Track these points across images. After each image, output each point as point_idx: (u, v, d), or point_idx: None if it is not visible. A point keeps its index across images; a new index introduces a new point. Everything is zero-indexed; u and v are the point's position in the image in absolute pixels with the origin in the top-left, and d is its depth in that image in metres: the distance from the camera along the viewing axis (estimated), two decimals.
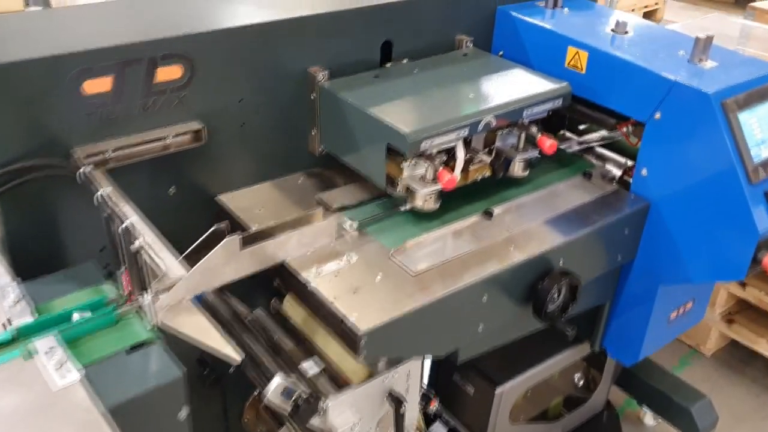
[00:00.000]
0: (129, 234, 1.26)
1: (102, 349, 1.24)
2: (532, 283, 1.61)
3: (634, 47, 1.83)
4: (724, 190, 1.63)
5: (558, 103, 1.75)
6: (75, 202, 1.48)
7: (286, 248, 1.49)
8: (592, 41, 1.84)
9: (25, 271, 1.37)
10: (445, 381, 2.15)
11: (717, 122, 1.60)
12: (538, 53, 1.96)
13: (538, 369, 2.07)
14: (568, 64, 1.88)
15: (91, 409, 1.09)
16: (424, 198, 1.64)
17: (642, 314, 1.92)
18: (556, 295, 1.64)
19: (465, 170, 1.70)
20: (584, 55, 1.84)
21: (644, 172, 1.79)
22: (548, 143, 1.70)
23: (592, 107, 1.90)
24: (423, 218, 1.68)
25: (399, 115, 1.57)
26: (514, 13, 2.00)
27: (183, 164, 1.63)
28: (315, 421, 1.44)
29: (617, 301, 1.98)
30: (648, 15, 7.45)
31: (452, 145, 1.60)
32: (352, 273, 1.48)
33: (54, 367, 1.16)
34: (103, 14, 1.65)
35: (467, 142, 1.68)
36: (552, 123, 2.01)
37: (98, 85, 1.44)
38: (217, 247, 1.37)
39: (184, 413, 1.24)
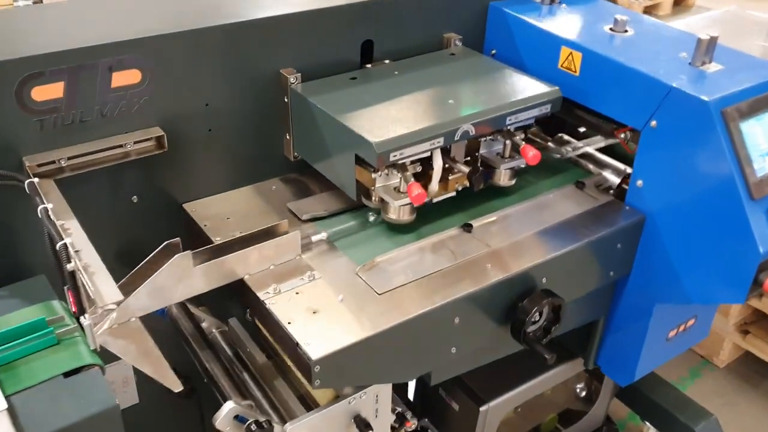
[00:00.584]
0: (65, 254, 1.19)
1: (39, 373, 1.17)
2: (510, 304, 1.50)
3: (632, 48, 1.70)
4: (723, 205, 1.50)
5: (546, 109, 1.64)
6: (30, 213, 1.42)
7: (245, 263, 1.41)
8: (586, 41, 1.72)
9: None
10: (430, 396, 2.06)
11: (716, 132, 1.47)
12: (531, 53, 1.84)
13: (527, 386, 1.97)
14: (562, 65, 1.76)
15: None
16: (398, 210, 1.55)
17: (637, 332, 1.81)
18: (537, 317, 1.53)
19: (444, 180, 1.60)
20: (578, 56, 1.72)
21: (639, 183, 1.67)
22: (531, 153, 1.58)
23: (589, 111, 1.78)
24: (398, 231, 1.58)
25: (369, 122, 1.47)
26: (506, 10, 1.88)
27: (145, 172, 1.56)
28: None
29: (612, 317, 1.86)
30: (679, 1, 7.20)
31: (426, 154, 1.50)
32: (313, 291, 1.40)
33: None
34: (62, 14, 1.58)
35: (446, 151, 1.58)
36: (550, 126, 1.90)
37: (49, 92, 1.37)
38: (164, 266, 1.29)
39: None
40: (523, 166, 1.69)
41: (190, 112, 1.56)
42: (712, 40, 1.61)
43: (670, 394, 2.33)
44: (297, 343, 1.27)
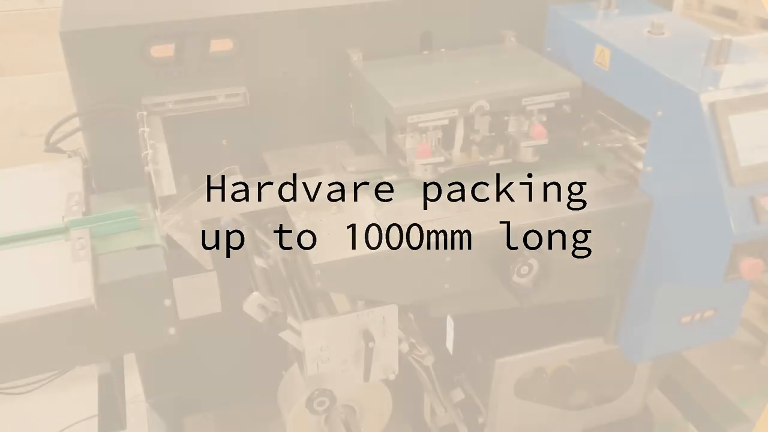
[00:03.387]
0: (146, 161, 1.64)
1: (122, 244, 1.65)
2: (500, 255, 1.75)
3: (657, 48, 1.87)
4: (705, 189, 1.64)
5: (565, 95, 1.86)
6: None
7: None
8: (616, 40, 1.91)
9: (103, 185, 1.83)
10: (464, 350, 2.32)
11: (704, 121, 1.62)
12: (575, 51, 2.06)
13: (546, 351, 2.16)
14: (596, 61, 1.97)
15: (86, 279, 1.49)
16: (422, 169, 1.86)
17: (645, 311, 1.95)
18: (525, 269, 1.76)
19: (467, 150, 1.88)
20: (608, 52, 1.92)
21: (649, 169, 1.83)
22: (536, 130, 1.82)
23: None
24: (423, 189, 1.89)
25: (398, 92, 1.80)
26: (561, 12, 2.11)
27: (233, 121, 2.00)
28: (288, 337, 1.73)
29: (627, 296, 2.01)
30: None
31: (444, 122, 1.79)
32: (333, 220, 1.75)
33: (76, 248, 1.58)
34: None
35: (471, 125, 1.86)
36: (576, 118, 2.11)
37: (163, 51, 1.85)
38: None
39: (168, 302, 1.60)
40: (543, 143, 1.92)
41: (271, 77, 1.98)
42: (725, 42, 1.74)
43: (709, 392, 2.38)
44: (306, 249, 1.63)
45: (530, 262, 1.75)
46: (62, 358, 1.51)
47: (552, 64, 1.97)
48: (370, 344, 1.78)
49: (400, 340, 1.91)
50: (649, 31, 1.96)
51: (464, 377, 2.37)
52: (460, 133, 1.84)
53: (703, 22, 3.14)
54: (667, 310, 1.94)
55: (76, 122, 1.89)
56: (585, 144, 2.08)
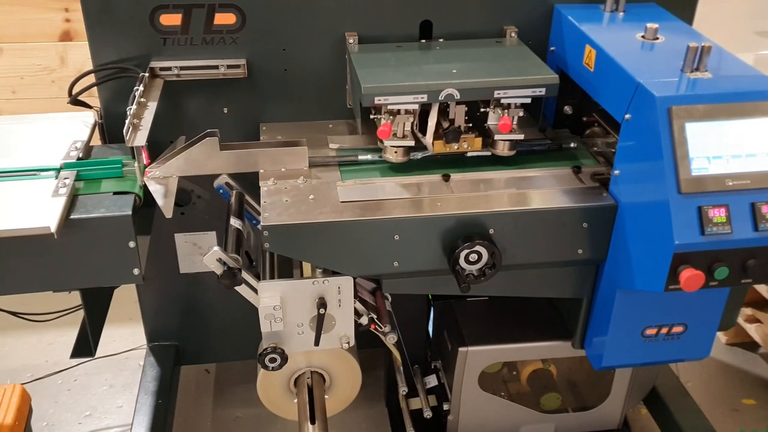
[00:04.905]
0: (130, 115, 1.81)
1: (102, 188, 1.83)
2: (452, 239, 1.79)
3: (642, 53, 1.85)
4: (656, 195, 1.62)
5: (540, 91, 1.87)
6: None
7: (261, 160, 1.92)
8: (603, 41, 1.90)
9: (114, 138, 2.04)
10: (439, 336, 2.37)
11: (657, 126, 1.60)
12: (571, 50, 2.06)
13: (512, 347, 2.18)
14: (584, 61, 1.96)
15: (56, 212, 1.67)
16: (391, 151, 1.93)
17: (605, 318, 1.93)
18: (474, 257, 1.80)
19: (440, 137, 1.93)
20: (593, 53, 1.91)
21: (617, 172, 1.82)
22: (502, 122, 1.85)
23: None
24: (393, 170, 1.95)
25: (373, 74, 1.88)
26: (564, 12, 2.12)
27: (234, 91, 2.14)
28: (243, 291, 1.86)
29: (592, 301, 2.00)
30: None
31: (412, 106, 1.86)
32: (298, 190, 1.86)
33: (59, 186, 1.77)
34: None
35: (445, 113, 1.92)
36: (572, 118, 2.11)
37: (171, 19, 2.02)
38: (198, 143, 1.86)
39: (132, 244, 1.76)
40: (520, 138, 1.94)
41: (271, 52, 2.11)
42: (705, 49, 1.70)
43: (691, 412, 2.30)
44: (259, 212, 1.75)
45: (478, 250, 1.79)
46: (25, 281, 1.71)
47: (539, 61, 1.98)
48: (321, 311, 1.88)
49: (360, 314, 1.99)
50: (642, 36, 1.94)
51: (440, 364, 2.41)
52: (432, 120, 1.89)
53: None
54: (627, 318, 1.91)
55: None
56: (572, 145, 2.08)
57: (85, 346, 1.90)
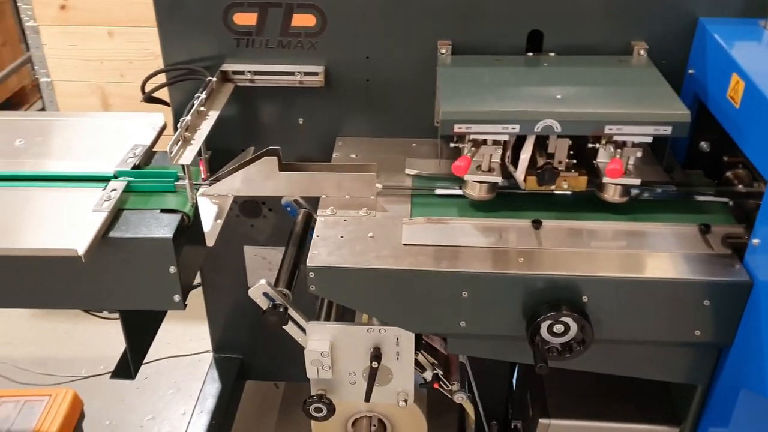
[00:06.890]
0: (183, 127, 1.63)
1: (150, 203, 1.67)
2: (533, 304, 1.48)
3: None
4: None
5: (665, 130, 1.50)
6: None
7: (323, 184, 1.69)
8: (756, 72, 1.49)
9: None
10: (521, 399, 2.06)
11: None
12: (713, 77, 1.66)
13: (604, 426, 1.82)
14: (729, 94, 1.56)
15: (91, 231, 1.52)
16: (474, 186, 1.63)
17: (724, 414, 1.54)
18: (561, 329, 1.47)
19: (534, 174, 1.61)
20: (741, 85, 1.51)
21: (756, 241, 1.42)
22: (611, 166, 1.49)
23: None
24: (474, 207, 1.66)
25: (459, 95, 1.58)
26: (708, 27, 1.71)
27: (310, 100, 1.92)
28: (291, 330, 1.64)
29: (711, 390, 1.61)
30: None
31: (502, 137, 1.54)
32: (357, 224, 1.61)
33: (104, 198, 1.62)
34: None
35: (542, 143, 1.59)
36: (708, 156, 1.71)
37: (246, 19, 1.83)
38: (256, 162, 1.66)
39: (173, 269, 1.59)
40: (636, 184, 1.58)
41: (352, 60, 1.86)
42: None
43: None
44: (310, 251, 1.52)
45: (565, 321, 1.46)
46: (57, 296, 1.59)
47: (668, 89, 1.60)
48: (374, 364, 1.63)
49: (423, 368, 1.73)
50: None
51: (521, 426, 2.10)
52: (526, 154, 1.57)
53: None
54: (753, 422, 1.51)
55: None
56: (704, 197, 1.68)
57: (126, 369, 1.76)
